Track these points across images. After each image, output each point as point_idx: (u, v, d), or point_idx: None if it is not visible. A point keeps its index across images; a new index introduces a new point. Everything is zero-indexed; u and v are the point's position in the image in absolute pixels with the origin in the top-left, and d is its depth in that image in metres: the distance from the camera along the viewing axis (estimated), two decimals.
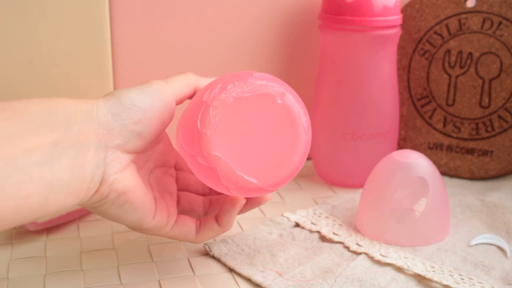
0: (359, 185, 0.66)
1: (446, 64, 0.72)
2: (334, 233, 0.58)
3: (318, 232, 0.59)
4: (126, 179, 0.45)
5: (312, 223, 0.60)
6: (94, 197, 0.44)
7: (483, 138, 0.72)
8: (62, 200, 0.41)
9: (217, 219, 0.50)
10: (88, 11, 0.64)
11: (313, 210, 0.62)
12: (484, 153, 0.72)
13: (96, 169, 0.43)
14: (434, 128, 0.74)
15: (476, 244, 0.57)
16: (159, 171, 0.52)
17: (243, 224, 0.61)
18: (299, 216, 0.61)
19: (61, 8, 0.63)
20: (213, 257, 0.54)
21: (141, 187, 0.46)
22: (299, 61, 0.75)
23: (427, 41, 0.73)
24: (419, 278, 0.51)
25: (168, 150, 0.53)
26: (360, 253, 0.55)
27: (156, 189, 0.50)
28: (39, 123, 0.40)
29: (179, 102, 0.49)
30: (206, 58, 0.72)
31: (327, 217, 0.61)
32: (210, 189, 0.54)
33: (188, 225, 0.50)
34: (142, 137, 0.45)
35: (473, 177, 0.72)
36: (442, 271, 0.52)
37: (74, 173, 0.41)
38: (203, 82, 0.50)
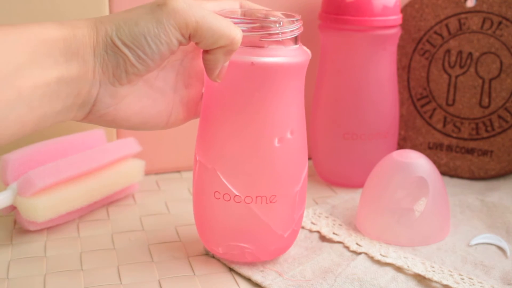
0: (359, 185, 0.66)
1: (446, 64, 0.72)
2: (334, 233, 0.58)
3: (318, 232, 0.59)
4: (120, 111, 0.45)
5: (312, 223, 0.60)
6: (82, 120, 0.45)
7: (483, 138, 0.72)
8: (50, 123, 0.43)
9: None
10: (88, 12, 0.64)
11: (313, 210, 0.62)
12: (484, 153, 0.72)
13: (85, 105, 0.44)
14: (434, 128, 0.74)
15: (476, 244, 0.57)
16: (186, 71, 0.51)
17: None
18: None
19: (61, 9, 0.63)
20: (213, 257, 0.54)
21: (141, 113, 0.47)
22: None
23: (427, 41, 0.73)
24: (419, 278, 0.51)
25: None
26: (360, 253, 0.55)
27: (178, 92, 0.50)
28: (46, 56, 0.40)
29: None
30: None
31: (327, 217, 0.61)
32: None
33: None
34: (140, 76, 0.45)
35: (473, 177, 0.72)
36: (442, 271, 0.52)
37: (65, 105, 0.42)
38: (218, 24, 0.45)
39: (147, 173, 0.71)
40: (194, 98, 0.51)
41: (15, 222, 0.61)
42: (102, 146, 0.63)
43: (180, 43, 0.44)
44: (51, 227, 0.60)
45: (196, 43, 0.45)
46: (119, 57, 0.43)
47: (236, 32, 0.44)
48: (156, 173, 0.73)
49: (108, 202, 0.65)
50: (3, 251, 0.56)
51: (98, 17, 0.44)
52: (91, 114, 0.45)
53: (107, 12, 0.65)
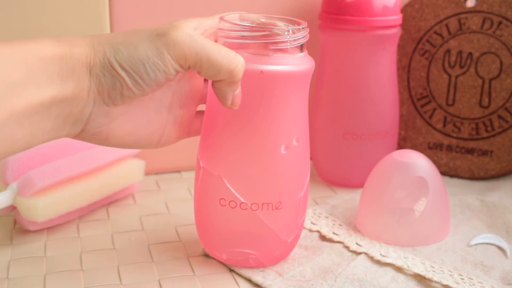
0: (359, 185, 0.66)
1: (446, 64, 0.72)
2: (334, 233, 0.58)
3: (318, 231, 0.59)
4: (113, 130, 0.45)
5: (312, 222, 0.60)
6: (75, 137, 0.45)
7: (483, 138, 0.72)
8: (41, 141, 0.42)
9: None
10: (88, 12, 0.64)
11: (313, 210, 0.62)
12: (484, 153, 0.72)
13: (78, 123, 0.43)
14: (434, 128, 0.74)
15: (476, 244, 0.57)
16: (184, 94, 0.50)
17: None
18: None
19: (61, 9, 0.63)
20: (213, 258, 0.54)
21: (134, 132, 0.46)
22: None
23: (427, 41, 0.73)
24: (419, 278, 0.51)
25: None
26: (360, 253, 0.55)
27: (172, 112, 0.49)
28: (41, 74, 0.40)
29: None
30: None
31: (327, 217, 0.61)
32: None
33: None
34: (135, 99, 0.45)
35: (473, 177, 0.72)
36: (442, 271, 0.52)
37: (56, 123, 0.42)
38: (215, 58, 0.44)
39: (147, 173, 0.71)
40: (187, 118, 0.50)
41: (15, 222, 0.61)
42: (102, 146, 0.63)
43: (178, 72, 0.44)
44: (51, 227, 0.60)
45: (198, 73, 0.45)
46: (116, 80, 0.42)
47: (236, 64, 0.44)
48: (156, 173, 0.73)
49: (108, 202, 0.65)
50: (3, 251, 0.56)
51: (96, 36, 0.43)
52: (84, 132, 0.44)
53: (107, 13, 0.65)
